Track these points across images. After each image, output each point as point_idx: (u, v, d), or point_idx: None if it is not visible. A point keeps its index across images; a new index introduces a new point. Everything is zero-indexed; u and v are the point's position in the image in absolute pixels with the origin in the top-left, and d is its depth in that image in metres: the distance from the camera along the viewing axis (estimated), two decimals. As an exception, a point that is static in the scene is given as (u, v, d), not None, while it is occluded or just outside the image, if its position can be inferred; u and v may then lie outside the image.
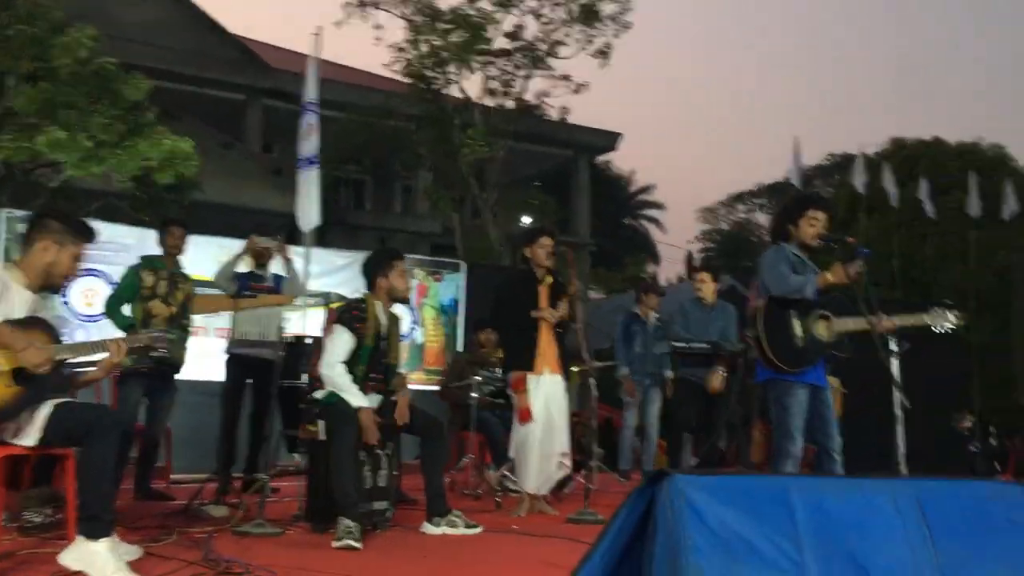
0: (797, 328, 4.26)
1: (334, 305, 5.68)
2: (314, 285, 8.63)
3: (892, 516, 1.68)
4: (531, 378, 5.25)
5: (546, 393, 5.26)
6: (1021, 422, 16.01)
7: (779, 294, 4.27)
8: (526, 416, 5.21)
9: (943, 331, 4.42)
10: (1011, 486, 1.73)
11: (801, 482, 1.74)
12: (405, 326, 9.13)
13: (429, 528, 4.38)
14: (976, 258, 16.71)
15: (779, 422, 4.26)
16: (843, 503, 1.69)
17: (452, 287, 13.08)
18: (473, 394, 6.13)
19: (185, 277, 5.69)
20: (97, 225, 3.57)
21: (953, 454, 9.92)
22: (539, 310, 5.31)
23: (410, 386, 8.58)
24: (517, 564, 3.72)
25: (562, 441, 5.29)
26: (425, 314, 11.06)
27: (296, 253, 6.17)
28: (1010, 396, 17.04)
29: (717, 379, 6.57)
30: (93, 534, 2.97)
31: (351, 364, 4.35)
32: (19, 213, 7.94)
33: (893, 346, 4.11)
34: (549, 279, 5.43)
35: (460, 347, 9.69)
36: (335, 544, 3.84)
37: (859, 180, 15.56)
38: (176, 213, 11.69)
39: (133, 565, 3.30)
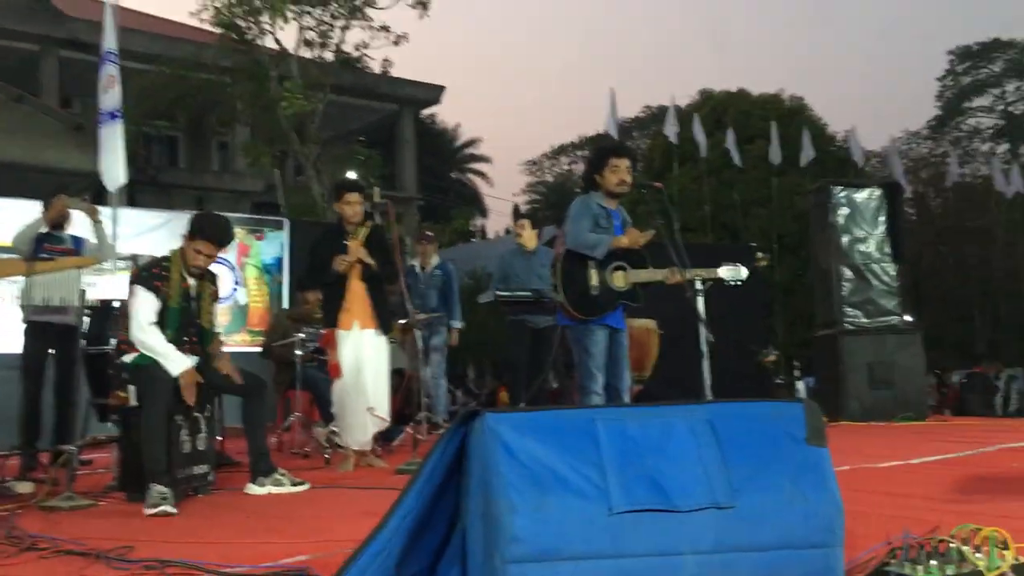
0: (593, 278, 4.46)
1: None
2: (125, 247, 8.19)
3: (687, 438, 1.78)
4: (340, 334, 5.18)
5: (356, 347, 5.18)
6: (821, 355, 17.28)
7: (574, 248, 4.45)
8: (335, 372, 5.17)
9: (736, 284, 4.68)
10: (789, 404, 1.87)
11: (605, 413, 1.82)
12: (226, 287, 8.81)
13: (253, 489, 4.30)
14: (777, 203, 17.81)
15: (581, 362, 4.46)
16: (643, 429, 1.78)
17: (275, 245, 12.72)
18: (297, 351, 6.02)
19: None
20: None
21: (759, 388, 10.62)
22: (335, 259, 5.17)
23: (234, 348, 8.34)
24: (342, 516, 3.70)
25: (375, 395, 5.20)
26: (248, 274, 10.75)
27: (104, 214, 5.84)
28: (810, 331, 18.38)
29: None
30: None
31: (159, 327, 4.16)
32: None
33: (698, 285, 4.34)
34: (362, 232, 5.32)
35: (286, 306, 9.47)
36: (148, 511, 3.70)
37: (671, 131, 16.20)
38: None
39: (-76, 549, 3.07)
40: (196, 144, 24.42)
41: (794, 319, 18.41)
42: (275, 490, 4.28)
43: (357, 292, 5.23)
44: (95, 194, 9.16)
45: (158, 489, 3.78)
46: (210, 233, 4.31)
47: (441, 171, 34.27)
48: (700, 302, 4.35)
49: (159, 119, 21.11)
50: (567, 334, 4.54)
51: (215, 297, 4.48)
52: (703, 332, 4.30)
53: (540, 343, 6.75)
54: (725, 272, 4.66)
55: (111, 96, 9.01)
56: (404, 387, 7.00)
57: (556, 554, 1.67)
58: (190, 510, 3.90)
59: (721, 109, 20.19)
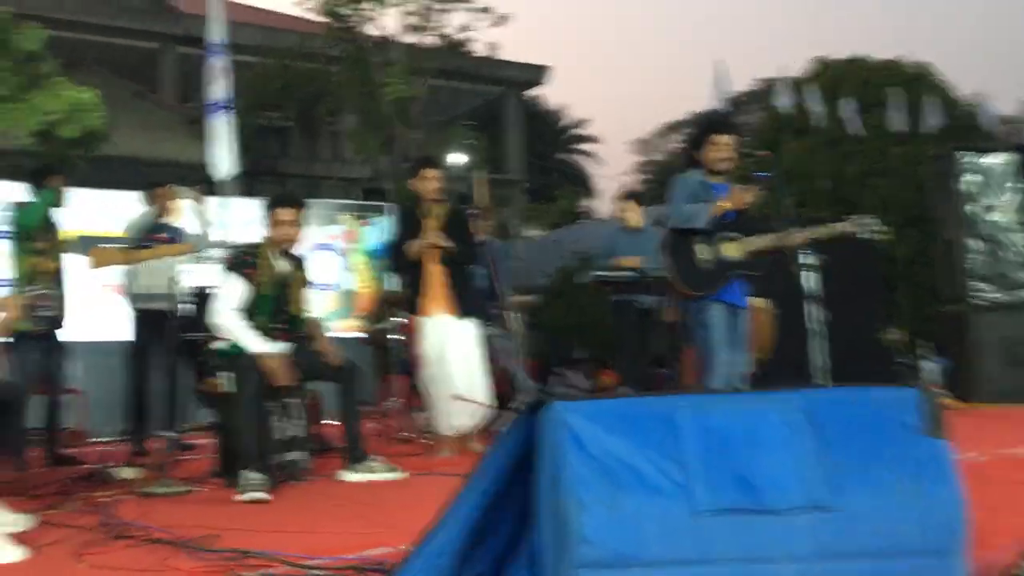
0: (702, 252, 4.21)
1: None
2: (238, 236, 8.34)
3: (779, 428, 1.57)
4: (420, 321, 5.06)
5: (439, 335, 5.04)
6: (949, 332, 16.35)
7: (673, 225, 4.23)
8: (417, 361, 5.06)
9: (869, 236, 4.36)
10: (902, 390, 1.64)
11: (686, 401, 1.62)
12: (332, 273, 8.80)
13: (348, 476, 4.25)
14: (898, 173, 16.87)
15: (702, 340, 4.22)
16: (729, 419, 1.58)
17: (381, 231, 12.83)
18: (392, 336, 5.97)
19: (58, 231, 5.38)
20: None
21: (880, 369, 10.07)
22: (411, 243, 5.03)
23: (342, 334, 8.39)
24: (432, 506, 3.60)
25: (466, 382, 5.06)
26: (354, 260, 10.85)
27: (213, 204, 5.98)
28: (937, 307, 17.41)
29: (671, 312, 6.49)
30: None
31: (250, 315, 4.14)
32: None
33: (804, 259, 4.05)
34: (439, 211, 5.15)
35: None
36: (239, 498, 3.69)
37: (782, 101, 15.54)
38: (83, 168, 11.22)
39: (23, 536, 3.12)
40: (307, 134, 24.91)
41: (919, 295, 17.44)
42: (368, 477, 4.23)
43: (436, 277, 5.09)
44: (210, 186, 9.36)
45: (250, 476, 3.77)
46: (279, 199, 4.31)
47: (547, 153, 34.05)
48: (811, 277, 4.05)
49: (270, 110, 21.60)
50: (685, 315, 4.34)
51: (304, 283, 4.44)
52: (812, 309, 4.01)
53: (647, 325, 6.52)
54: (853, 225, 4.29)
55: (219, 87, 9.21)
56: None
57: (632, 559, 1.50)
58: (281, 497, 3.87)
59: (838, 77, 19.26)
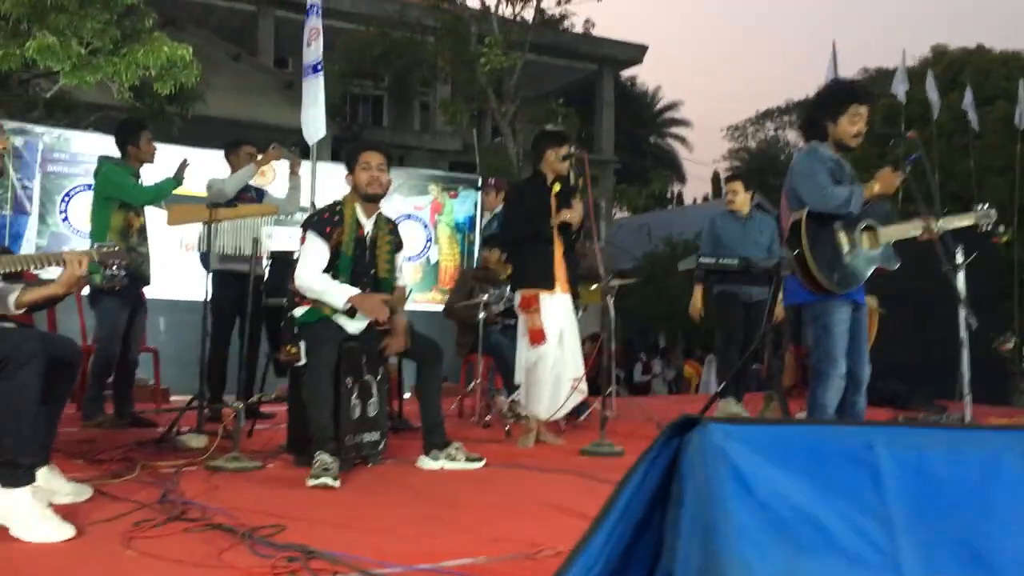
0: (844, 243, 3.70)
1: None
2: (326, 200, 8.21)
3: (1020, 480, 1.15)
4: (544, 296, 4.73)
5: (559, 313, 4.75)
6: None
7: (819, 209, 3.68)
8: (538, 337, 4.70)
9: (989, 229, 3.88)
10: None
11: (889, 434, 1.21)
12: (418, 243, 8.54)
13: (426, 462, 3.94)
14: (1020, 172, 15.81)
15: (821, 344, 3.72)
16: (952, 464, 1.17)
17: (468, 204, 12.57)
18: (481, 314, 5.63)
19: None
20: (95, 137, 3.04)
21: (997, 378, 9.35)
22: (557, 215, 4.77)
23: (423, 306, 8.11)
24: (518, 506, 3.26)
25: (576, 364, 4.81)
26: (440, 232, 10.61)
27: (305, 168, 5.78)
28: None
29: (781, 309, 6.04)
30: (10, 482, 2.51)
31: (331, 275, 3.84)
32: (13, 124, 7.53)
33: (959, 257, 3.53)
34: (558, 186, 4.87)
35: (476, 266, 9.21)
36: (309, 483, 3.40)
37: (900, 89, 14.66)
38: (179, 125, 11.22)
39: (77, 507, 2.88)
40: (399, 103, 24.81)
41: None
42: (448, 466, 3.91)
43: (559, 252, 4.81)
44: (302, 149, 9.35)
45: (322, 459, 3.48)
46: (364, 145, 4.09)
47: (640, 135, 33.32)
48: (960, 277, 3.54)
49: (364, 78, 21.53)
50: (804, 312, 3.84)
51: (397, 247, 4.11)
52: (963, 314, 3.51)
53: (753, 317, 6.06)
54: (976, 217, 3.85)
55: (313, 50, 9.10)
56: (594, 356, 6.49)
57: (814, 648, 1.11)
58: (355, 482, 3.58)
59: (957, 67, 18.19)
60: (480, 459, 3.99)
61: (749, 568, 1.12)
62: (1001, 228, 4.04)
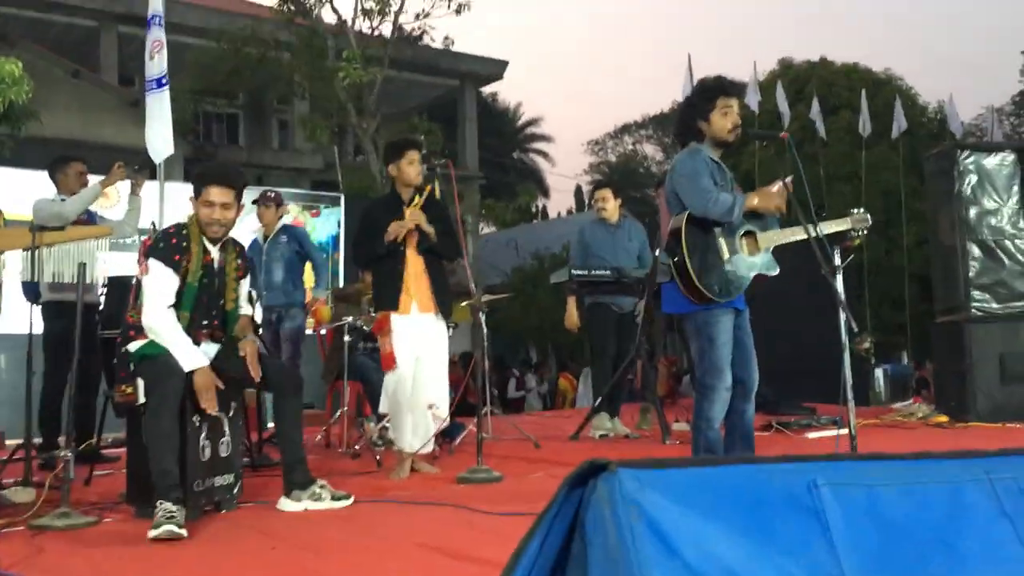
0: (725, 250, 3.58)
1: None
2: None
3: (992, 520, 0.96)
4: (395, 318, 4.42)
5: (414, 335, 4.44)
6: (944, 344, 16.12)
7: (702, 213, 3.55)
8: (389, 362, 4.40)
9: (862, 236, 3.87)
10: None
11: (833, 470, 1.00)
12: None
13: (287, 504, 3.57)
14: (865, 178, 16.58)
15: (706, 356, 3.57)
16: (909, 504, 0.97)
17: (331, 223, 12.20)
18: (345, 337, 5.29)
19: None
20: None
21: (856, 378, 9.62)
22: (393, 223, 4.40)
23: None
24: (393, 547, 2.95)
25: (437, 389, 4.48)
26: (303, 252, 10.15)
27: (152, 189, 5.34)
28: (899, 317, 17.16)
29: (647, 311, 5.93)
30: None
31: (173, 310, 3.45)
32: None
33: (837, 259, 3.46)
34: (419, 200, 4.55)
35: (341, 286, 8.81)
36: (151, 533, 2.99)
37: (753, 100, 15.12)
38: (10, 146, 10.39)
39: None
40: (256, 121, 23.98)
41: (881, 302, 17.20)
42: (313, 506, 3.55)
43: (414, 269, 4.48)
44: (151, 171, 8.84)
45: (166, 507, 3.08)
46: (214, 174, 3.60)
47: (503, 150, 33.43)
48: (839, 280, 3.46)
49: (217, 95, 20.69)
50: (686, 323, 3.68)
51: (242, 273, 3.74)
52: (844, 318, 3.43)
53: (625, 328, 5.94)
54: (854, 222, 3.82)
55: (157, 63, 8.60)
56: (468, 376, 6.23)
57: None
58: (206, 532, 3.19)
59: (803, 79, 18.96)
60: (348, 496, 3.65)
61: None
62: (854, 232, 4.03)
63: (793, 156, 3.84)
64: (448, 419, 4.78)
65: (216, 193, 3.53)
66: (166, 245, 3.51)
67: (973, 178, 6.52)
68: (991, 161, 6.59)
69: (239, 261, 3.72)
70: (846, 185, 16.97)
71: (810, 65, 20.09)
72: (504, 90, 36.04)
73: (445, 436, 5.26)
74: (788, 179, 3.71)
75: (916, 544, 0.94)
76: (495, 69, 24.14)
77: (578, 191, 38.15)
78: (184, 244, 3.49)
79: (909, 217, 16.44)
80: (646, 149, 39.24)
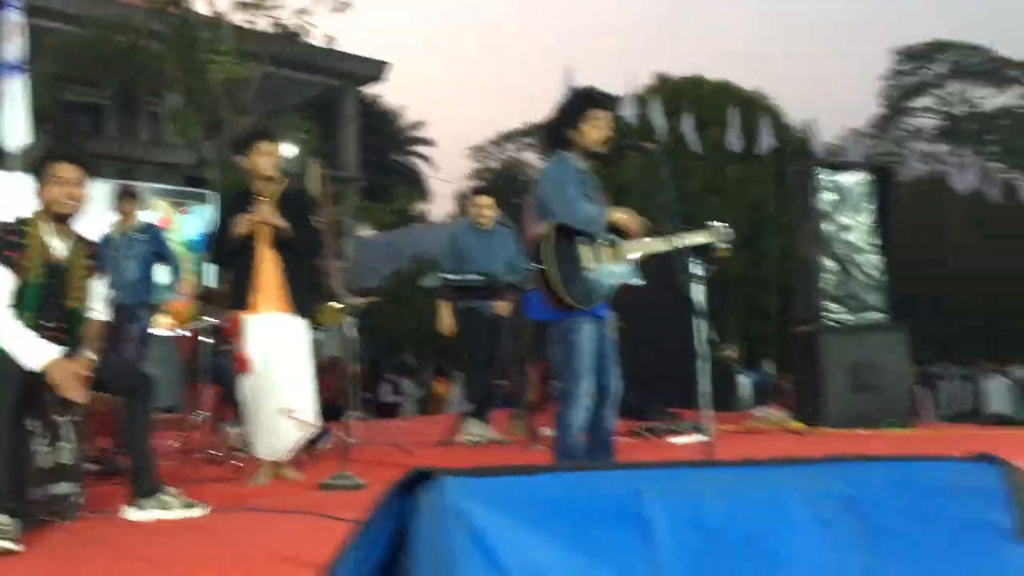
0: (586, 259, 3.62)
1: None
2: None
3: (810, 528, 0.98)
4: (246, 318, 4.28)
5: (266, 335, 4.27)
6: (774, 353, 16.78)
7: (565, 221, 3.59)
8: (242, 365, 4.26)
9: (726, 247, 3.98)
10: (972, 466, 1.08)
11: (659, 479, 1.00)
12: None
13: (133, 514, 3.39)
14: (734, 192, 17.21)
15: (568, 364, 3.61)
16: (733, 512, 0.97)
17: (201, 220, 11.83)
18: (201, 339, 5.10)
19: None
20: None
21: (721, 385, 9.93)
22: (239, 217, 4.24)
23: (156, 330, 7.34)
24: (242, 558, 2.84)
25: (294, 394, 4.31)
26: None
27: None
28: (764, 327, 17.85)
29: (503, 307, 5.95)
30: None
31: (13, 309, 3.24)
32: None
33: (697, 269, 3.55)
34: (274, 192, 4.37)
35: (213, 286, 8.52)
36: (-19, 549, 2.80)
37: (630, 113, 15.47)
38: None
39: None
40: (124, 114, 23.00)
41: (750, 313, 17.86)
42: (161, 515, 3.39)
43: (267, 266, 4.30)
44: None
45: (-3, 520, 2.88)
46: (60, 153, 3.46)
47: (383, 152, 33.16)
48: (699, 290, 3.55)
49: (83, 84, 19.74)
50: (549, 330, 3.70)
51: (90, 271, 3.54)
52: (700, 326, 3.52)
53: (497, 334, 5.95)
54: (712, 235, 3.89)
55: (15, 47, 8.20)
56: (329, 379, 6.12)
57: None
58: (43, 544, 3.00)
59: (678, 94, 19.53)
60: (199, 505, 3.50)
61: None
62: (721, 244, 4.14)
63: (662, 168, 3.92)
64: (315, 425, 4.66)
65: (65, 170, 3.38)
66: (2, 242, 3.30)
67: (830, 195, 6.84)
68: (848, 179, 6.93)
69: (87, 260, 3.53)
70: (717, 198, 17.54)
71: (685, 81, 20.71)
72: (388, 92, 35.73)
73: (311, 442, 5.14)
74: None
75: (737, 552, 0.95)
76: (377, 70, 23.93)
77: (462, 196, 38.25)
78: (20, 240, 3.29)
79: (776, 231, 17.12)
80: (528, 157, 39.67)
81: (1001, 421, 13.77)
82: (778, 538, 0.96)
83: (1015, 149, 32.24)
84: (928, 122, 36.15)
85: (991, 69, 35.25)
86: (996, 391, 15.56)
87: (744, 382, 14.45)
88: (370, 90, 27.61)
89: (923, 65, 36.02)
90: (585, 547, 0.94)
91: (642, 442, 5.94)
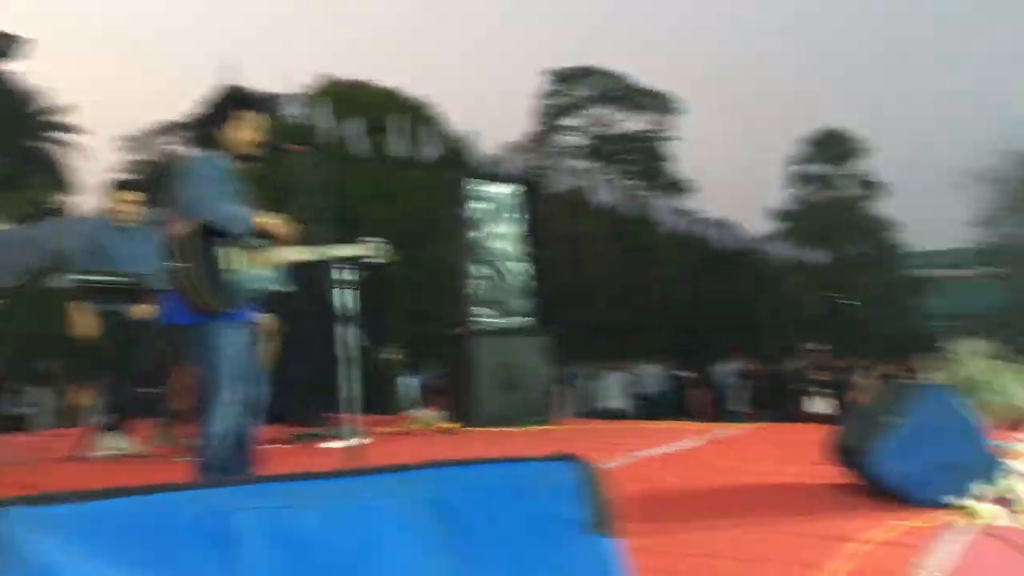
0: (228, 262, 3.50)
1: None
2: None
3: (404, 536, 1.02)
4: None
5: None
6: (432, 353, 17.31)
7: (206, 221, 3.44)
8: None
9: (384, 261, 4.07)
10: (547, 465, 1.19)
11: (252, 495, 0.99)
12: None
13: None
14: (398, 198, 17.54)
15: (210, 370, 3.45)
16: (326, 523, 0.99)
17: None
18: None
19: None
20: None
21: (383, 388, 10.11)
22: None
23: None
24: None
25: None
26: None
27: None
28: (426, 330, 18.37)
29: (144, 310, 5.55)
30: None
31: None
32: None
33: (347, 275, 3.56)
34: None
35: None
36: None
37: (291, 112, 15.21)
38: None
39: None
40: None
41: (412, 317, 18.27)
42: None
43: None
44: None
45: None
46: None
47: (13, 136, 29.73)
48: (346, 295, 3.57)
49: None
50: (189, 335, 3.50)
51: None
52: (345, 332, 3.54)
53: (141, 339, 5.56)
54: (364, 249, 3.95)
55: None
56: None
57: None
58: None
59: (346, 98, 19.52)
60: None
61: None
62: (371, 256, 4.20)
63: (319, 172, 3.89)
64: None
65: None
66: None
67: (480, 205, 7.22)
68: (499, 191, 7.35)
69: None
70: (382, 204, 17.79)
71: (353, 86, 20.78)
72: (34, 73, 32.00)
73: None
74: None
75: (332, 565, 0.97)
76: (6, 45, 21.47)
77: (106, 190, 35.31)
78: None
79: (439, 237, 17.70)
80: (188, 151, 37.54)
81: (617, 416, 15.34)
82: (370, 548, 0.99)
83: (646, 171, 36.00)
84: (576, 140, 39.22)
85: (627, 95, 39.02)
86: (614, 389, 17.49)
87: (411, 384, 14.81)
88: (7, 66, 24.71)
89: (572, 88, 39.02)
90: (168, 572, 0.91)
91: (298, 448, 5.86)
